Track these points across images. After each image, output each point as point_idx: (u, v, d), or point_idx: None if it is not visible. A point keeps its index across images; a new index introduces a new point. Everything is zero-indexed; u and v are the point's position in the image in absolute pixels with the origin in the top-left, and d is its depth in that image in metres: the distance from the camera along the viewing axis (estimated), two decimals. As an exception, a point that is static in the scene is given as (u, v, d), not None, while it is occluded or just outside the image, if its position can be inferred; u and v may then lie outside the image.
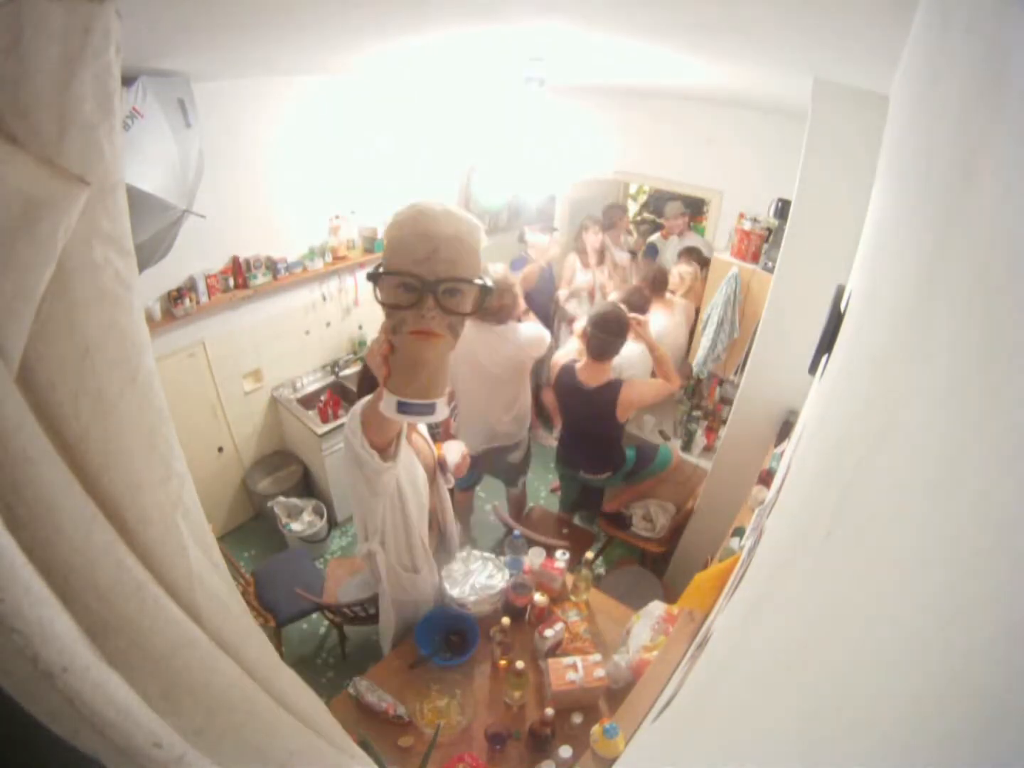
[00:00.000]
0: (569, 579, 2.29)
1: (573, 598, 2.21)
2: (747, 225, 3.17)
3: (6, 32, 0.40)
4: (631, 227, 4.78)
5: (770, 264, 2.84)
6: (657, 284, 3.46)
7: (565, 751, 1.63)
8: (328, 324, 3.72)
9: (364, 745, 1.54)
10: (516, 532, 2.28)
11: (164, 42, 1.75)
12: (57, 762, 0.46)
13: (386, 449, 1.44)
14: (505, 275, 2.62)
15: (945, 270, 0.45)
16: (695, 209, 4.63)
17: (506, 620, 1.94)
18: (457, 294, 1.09)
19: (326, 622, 3.04)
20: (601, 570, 3.26)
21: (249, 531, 3.67)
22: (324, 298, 3.61)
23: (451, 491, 2.07)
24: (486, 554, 2.17)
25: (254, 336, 3.34)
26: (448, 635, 2.01)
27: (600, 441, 2.85)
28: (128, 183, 0.46)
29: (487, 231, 4.32)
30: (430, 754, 1.61)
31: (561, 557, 2.28)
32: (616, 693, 1.81)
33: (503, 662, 1.87)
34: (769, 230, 3.10)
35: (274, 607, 2.64)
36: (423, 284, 1.05)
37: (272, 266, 3.20)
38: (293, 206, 3.23)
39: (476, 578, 2.07)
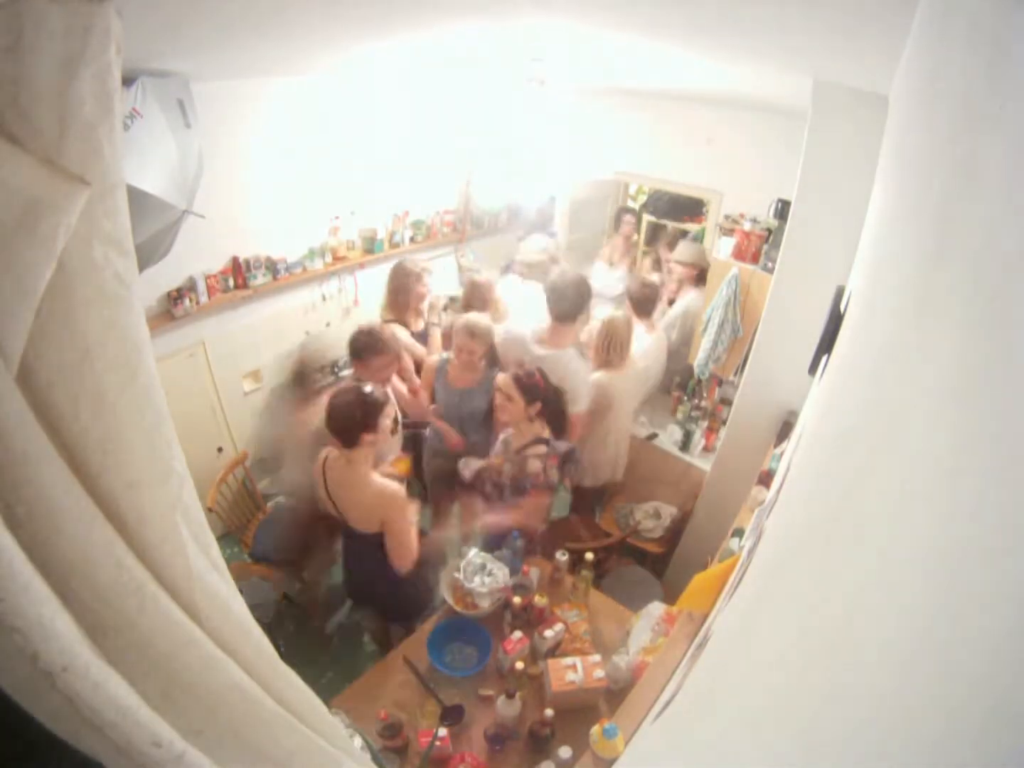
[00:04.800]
0: (569, 579, 2.29)
1: (573, 598, 2.21)
2: (747, 225, 3.16)
3: (6, 32, 0.40)
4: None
5: (770, 264, 2.83)
6: (642, 300, 3.18)
7: (565, 751, 1.63)
8: (328, 324, 3.72)
9: (363, 744, 1.54)
10: (515, 532, 2.27)
11: (164, 42, 1.76)
12: (57, 762, 0.46)
13: None
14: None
15: (945, 270, 0.45)
16: (693, 210, 4.59)
17: (517, 599, 2.00)
18: None
19: (327, 622, 3.07)
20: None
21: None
22: (324, 298, 3.61)
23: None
24: (484, 553, 2.18)
25: (254, 336, 3.33)
26: (463, 647, 2.02)
27: None
28: (128, 183, 0.46)
29: (487, 232, 4.34)
30: (429, 754, 1.61)
31: (560, 557, 2.28)
32: (616, 694, 1.81)
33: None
34: (769, 230, 3.09)
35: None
36: None
37: (272, 266, 3.20)
38: (293, 206, 3.23)
39: (481, 575, 2.08)
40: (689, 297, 3.57)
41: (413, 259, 3.29)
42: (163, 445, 0.56)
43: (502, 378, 2.31)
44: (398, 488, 2.00)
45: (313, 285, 3.53)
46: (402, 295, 3.12)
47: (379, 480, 2.00)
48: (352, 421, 1.93)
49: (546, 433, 2.31)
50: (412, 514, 2.03)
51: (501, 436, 2.42)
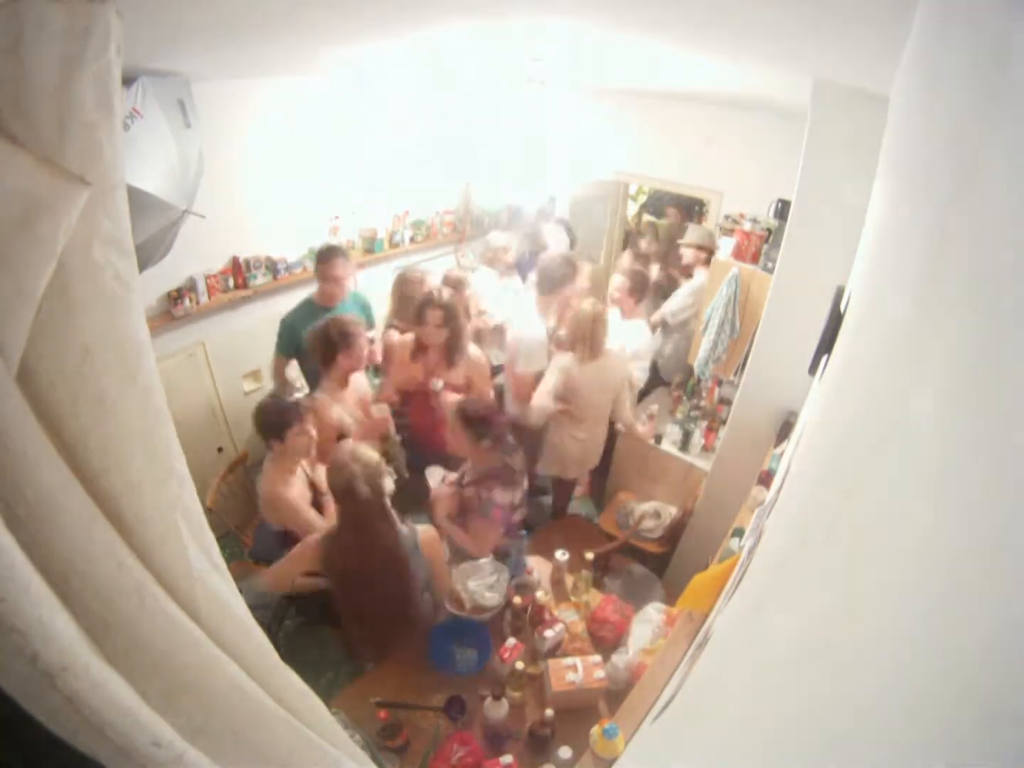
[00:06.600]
0: (569, 579, 2.29)
1: (573, 598, 2.21)
2: (747, 225, 3.17)
3: (6, 32, 0.40)
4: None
5: (770, 264, 2.83)
6: (636, 288, 3.23)
7: (565, 751, 1.63)
8: (328, 324, 3.72)
9: (363, 744, 1.54)
10: (519, 532, 2.27)
11: (164, 42, 1.75)
12: (57, 762, 0.46)
13: None
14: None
15: (945, 270, 0.45)
16: (693, 210, 4.60)
17: (517, 599, 2.00)
18: None
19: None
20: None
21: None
22: (324, 298, 3.61)
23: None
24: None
25: (254, 336, 3.33)
26: (463, 647, 2.01)
27: None
28: (128, 183, 0.46)
29: (487, 231, 4.34)
30: (430, 754, 1.61)
31: (561, 557, 2.28)
32: (616, 694, 1.81)
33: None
34: (769, 230, 3.09)
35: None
36: None
37: (272, 266, 3.20)
38: (293, 206, 3.23)
39: (485, 575, 2.09)
40: (700, 279, 3.59)
41: (411, 267, 3.34)
42: (163, 445, 0.56)
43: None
44: (278, 497, 2.17)
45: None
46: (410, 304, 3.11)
47: (271, 484, 2.20)
48: (266, 424, 2.21)
49: (501, 462, 2.10)
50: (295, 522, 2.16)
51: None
